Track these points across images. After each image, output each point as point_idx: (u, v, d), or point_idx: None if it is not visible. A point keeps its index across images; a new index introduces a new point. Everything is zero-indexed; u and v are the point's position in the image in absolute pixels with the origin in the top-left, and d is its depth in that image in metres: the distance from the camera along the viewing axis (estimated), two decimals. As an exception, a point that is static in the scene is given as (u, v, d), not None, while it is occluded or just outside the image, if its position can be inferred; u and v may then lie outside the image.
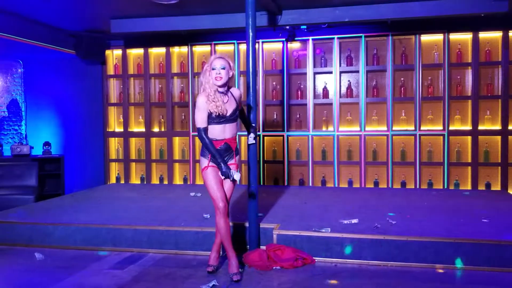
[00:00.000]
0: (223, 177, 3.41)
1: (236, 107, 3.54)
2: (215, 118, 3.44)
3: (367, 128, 6.60)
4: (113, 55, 7.50)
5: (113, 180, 7.50)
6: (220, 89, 3.47)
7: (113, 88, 7.56)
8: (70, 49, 6.86)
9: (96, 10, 5.96)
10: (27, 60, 7.82)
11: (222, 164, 3.36)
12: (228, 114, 3.48)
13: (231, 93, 3.57)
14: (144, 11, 5.95)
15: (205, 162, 3.52)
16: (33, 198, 5.95)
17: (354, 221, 4.30)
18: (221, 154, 3.44)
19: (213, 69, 3.43)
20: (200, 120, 3.43)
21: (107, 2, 5.61)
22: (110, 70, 7.49)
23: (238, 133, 3.77)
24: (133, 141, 7.48)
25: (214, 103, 3.40)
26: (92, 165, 7.57)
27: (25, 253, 4.25)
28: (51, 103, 7.80)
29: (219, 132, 3.49)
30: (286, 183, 6.82)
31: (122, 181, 7.45)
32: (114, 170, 7.55)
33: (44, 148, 7.45)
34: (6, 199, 5.84)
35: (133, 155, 7.47)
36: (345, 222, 4.27)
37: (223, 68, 3.42)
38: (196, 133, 7.01)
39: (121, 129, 7.47)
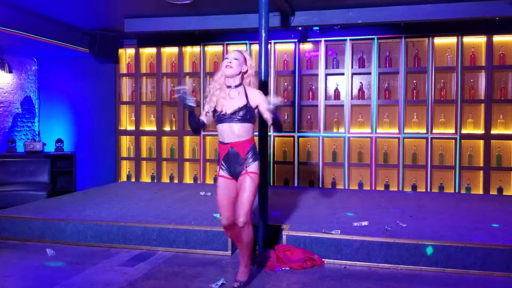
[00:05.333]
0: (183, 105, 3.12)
1: (243, 105, 3.15)
2: (216, 115, 3.21)
3: (379, 130, 6.57)
4: (126, 54, 7.55)
5: (124, 178, 7.56)
6: (230, 82, 3.21)
7: (126, 86, 7.61)
8: (84, 47, 6.93)
9: (111, 9, 6.01)
10: (42, 58, 7.92)
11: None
12: (228, 112, 3.14)
13: (246, 91, 3.23)
14: (157, 10, 5.98)
15: (218, 169, 3.28)
16: (45, 194, 6.01)
17: (364, 223, 4.28)
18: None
19: (225, 58, 3.23)
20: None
21: (121, 1, 5.66)
22: (123, 69, 7.55)
23: (254, 136, 3.31)
24: (144, 139, 7.53)
25: (212, 94, 3.21)
26: (104, 162, 7.63)
27: (37, 248, 4.30)
28: (64, 101, 7.88)
29: (222, 133, 3.20)
30: (296, 184, 6.82)
31: (133, 179, 7.50)
32: (125, 168, 7.60)
33: (57, 145, 7.53)
34: (19, 195, 5.91)
35: (144, 154, 7.52)
36: (356, 224, 4.26)
37: (236, 59, 3.19)
38: (206, 133, 7.03)
39: (133, 128, 7.53)
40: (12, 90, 7.48)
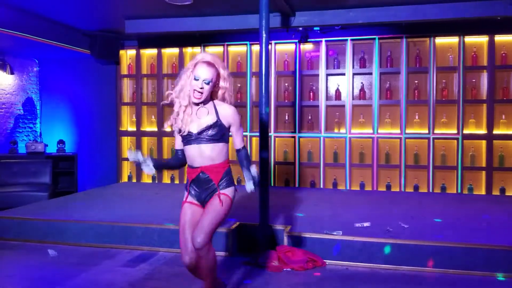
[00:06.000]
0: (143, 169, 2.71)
1: (213, 123, 2.65)
2: (181, 135, 2.72)
3: (380, 131, 6.56)
4: (127, 55, 7.56)
5: (125, 178, 7.56)
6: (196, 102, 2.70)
7: (127, 87, 7.62)
8: (85, 48, 6.93)
9: (111, 10, 6.01)
10: (43, 59, 7.92)
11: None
12: (194, 131, 2.65)
13: (215, 108, 2.71)
14: (158, 12, 5.99)
15: (185, 194, 2.81)
16: (47, 195, 6.02)
17: (366, 224, 4.28)
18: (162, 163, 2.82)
19: (195, 79, 2.64)
20: (175, 140, 2.84)
21: (122, 3, 5.66)
22: (124, 70, 7.55)
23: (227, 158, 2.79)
24: (145, 140, 7.53)
25: (176, 117, 2.70)
26: (105, 163, 7.63)
27: (39, 249, 4.31)
28: (66, 102, 7.89)
29: (190, 157, 2.72)
30: (297, 185, 6.81)
31: (134, 180, 7.50)
32: (127, 169, 7.60)
33: (58, 146, 7.54)
34: (21, 196, 5.92)
35: (145, 155, 7.49)
36: (357, 225, 4.25)
37: (208, 83, 2.63)
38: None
39: (134, 129, 7.53)
40: (13, 92, 7.49)
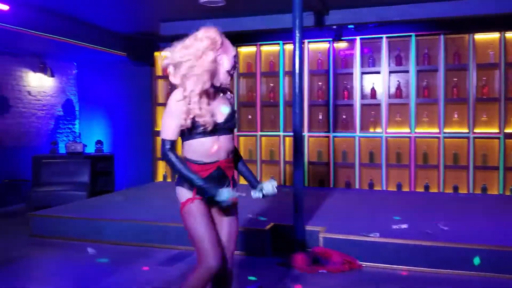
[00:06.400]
0: (217, 204, 2.27)
1: (233, 111, 2.39)
2: (201, 128, 2.25)
3: (417, 130, 6.39)
4: (162, 56, 7.66)
5: (160, 178, 7.68)
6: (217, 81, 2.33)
7: (161, 88, 7.73)
8: (121, 51, 7.09)
9: (147, 14, 6.12)
10: (81, 62, 8.16)
11: (204, 185, 2.22)
12: (221, 121, 2.30)
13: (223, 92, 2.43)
14: (192, 14, 6.04)
15: (185, 193, 2.36)
16: (85, 195, 6.18)
17: (404, 226, 4.18)
18: (203, 180, 2.24)
19: (234, 56, 2.36)
20: (169, 130, 2.28)
21: (157, 6, 5.76)
22: (159, 71, 7.67)
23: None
24: (179, 140, 7.61)
25: (196, 105, 2.21)
26: (141, 163, 7.79)
27: (78, 247, 4.43)
28: (103, 103, 8.09)
29: (205, 151, 2.29)
30: (331, 185, 6.73)
31: (169, 180, 7.61)
32: (161, 168, 7.72)
33: (96, 146, 7.74)
34: (61, 195, 6.10)
35: (179, 154, 7.60)
36: (395, 227, 4.16)
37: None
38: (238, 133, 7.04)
39: (169, 129, 7.63)
40: (54, 94, 7.74)
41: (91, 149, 7.87)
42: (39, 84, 7.38)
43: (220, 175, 2.33)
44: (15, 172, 6.79)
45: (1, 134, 6.59)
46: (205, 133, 2.27)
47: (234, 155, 2.47)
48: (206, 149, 2.29)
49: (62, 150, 7.75)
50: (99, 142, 7.76)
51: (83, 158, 7.25)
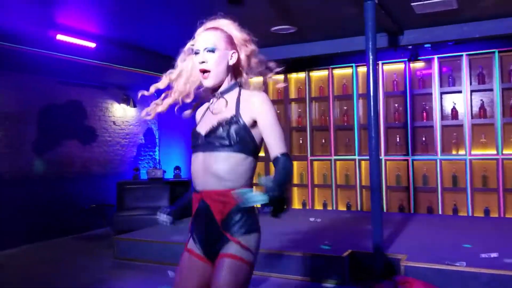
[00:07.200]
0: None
1: (228, 120, 1.76)
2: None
3: (505, 152, 5.94)
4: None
5: (235, 203, 7.78)
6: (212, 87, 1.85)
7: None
8: (198, 80, 7.40)
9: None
10: (160, 92, 8.59)
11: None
12: (203, 132, 1.82)
13: (239, 97, 1.83)
14: (263, 41, 6.16)
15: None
16: (165, 219, 6.40)
17: (494, 255, 3.85)
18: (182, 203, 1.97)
19: (195, 53, 1.83)
20: None
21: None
22: (233, 98, 7.88)
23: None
24: (259, 165, 7.69)
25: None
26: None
27: (159, 270, 4.57)
28: (180, 130, 8.44)
29: (194, 172, 1.84)
30: (412, 211, 6.41)
31: (244, 205, 7.68)
32: (236, 193, 7.82)
33: (175, 172, 8.05)
34: (143, 219, 6.39)
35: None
36: (483, 255, 3.85)
37: (213, 51, 1.78)
38: (313, 157, 6.97)
39: (243, 154, 7.76)
40: (136, 123, 8.23)
41: (169, 174, 8.20)
42: (122, 114, 7.88)
43: (205, 210, 1.74)
44: (101, 197, 7.23)
45: (89, 162, 7.08)
46: (192, 148, 1.87)
47: (275, 167, 1.73)
48: (192, 171, 1.83)
49: (143, 176, 8.15)
50: (177, 168, 8.07)
51: (162, 183, 7.56)
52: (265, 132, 1.77)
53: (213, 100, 1.88)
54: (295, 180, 7.31)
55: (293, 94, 7.40)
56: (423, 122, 6.45)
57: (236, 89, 1.86)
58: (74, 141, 6.80)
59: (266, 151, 1.86)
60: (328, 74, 7.01)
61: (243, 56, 1.89)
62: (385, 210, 6.53)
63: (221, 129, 1.74)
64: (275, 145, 1.77)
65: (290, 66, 7.18)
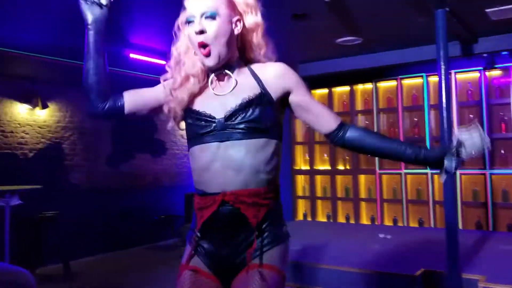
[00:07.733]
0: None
1: (256, 96, 1.44)
2: (188, 127, 1.55)
3: None
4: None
5: (300, 216, 7.72)
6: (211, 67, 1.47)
7: (299, 127, 7.90)
8: (262, 94, 7.48)
9: (285, 56, 6.38)
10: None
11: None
12: (220, 116, 1.44)
13: (253, 72, 1.52)
14: (330, 53, 6.15)
15: (185, 251, 1.59)
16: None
17: None
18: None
19: (188, 21, 1.44)
20: None
21: (296, 49, 5.99)
22: (297, 111, 7.86)
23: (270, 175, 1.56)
24: (318, 178, 7.62)
25: (178, 93, 1.54)
26: (281, 201, 7.92)
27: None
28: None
29: (204, 168, 1.45)
30: (491, 229, 5.99)
31: (309, 218, 7.60)
32: (301, 206, 7.77)
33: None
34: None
35: (318, 193, 7.59)
36: None
37: (213, 16, 1.40)
38: (382, 171, 6.77)
39: (307, 167, 7.70)
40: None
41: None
42: (191, 128, 8.13)
43: (232, 215, 1.37)
44: (170, 209, 7.47)
45: (159, 174, 7.36)
46: (198, 138, 1.47)
47: (351, 140, 1.51)
48: (198, 167, 1.44)
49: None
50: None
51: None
52: (310, 104, 1.52)
53: (213, 78, 1.49)
54: (362, 194, 7.11)
55: (359, 106, 7.25)
56: (502, 133, 6.04)
57: (243, 65, 1.52)
58: (145, 154, 7.11)
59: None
60: (397, 84, 6.79)
61: (249, 21, 1.50)
62: (460, 227, 6.15)
63: (250, 110, 1.40)
64: (328, 115, 1.55)
65: (355, 77, 7.07)
